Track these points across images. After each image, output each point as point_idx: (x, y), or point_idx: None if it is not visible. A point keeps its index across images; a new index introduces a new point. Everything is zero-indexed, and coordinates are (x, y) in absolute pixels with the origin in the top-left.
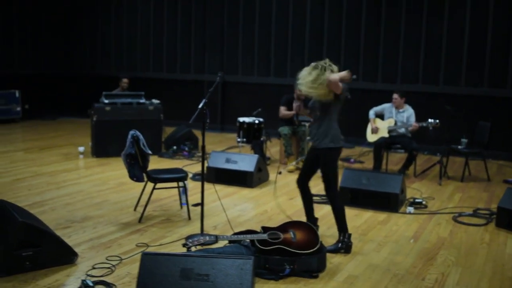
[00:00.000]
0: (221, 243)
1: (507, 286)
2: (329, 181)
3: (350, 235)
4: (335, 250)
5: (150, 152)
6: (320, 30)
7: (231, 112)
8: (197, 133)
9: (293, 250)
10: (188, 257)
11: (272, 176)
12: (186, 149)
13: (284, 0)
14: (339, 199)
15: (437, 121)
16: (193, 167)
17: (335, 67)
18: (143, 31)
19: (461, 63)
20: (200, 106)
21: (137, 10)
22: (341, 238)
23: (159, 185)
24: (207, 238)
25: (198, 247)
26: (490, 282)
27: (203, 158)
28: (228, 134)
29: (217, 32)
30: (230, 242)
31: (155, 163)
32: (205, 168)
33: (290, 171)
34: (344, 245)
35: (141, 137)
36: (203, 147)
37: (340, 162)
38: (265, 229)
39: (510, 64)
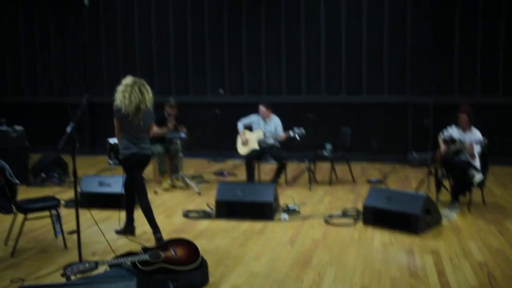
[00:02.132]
0: (102, 269)
1: (376, 277)
2: None
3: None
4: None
5: (18, 181)
6: (184, 45)
7: (101, 133)
8: (66, 158)
9: (175, 268)
10: (69, 286)
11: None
12: (56, 175)
13: (146, 17)
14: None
15: (303, 130)
16: (65, 193)
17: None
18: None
19: (320, 72)
20: (69, 130)
21: None
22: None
23: (31, 215)
24: (87, 265)
25: (78, 276)
26: (362, 275)
27: (75, 183)
28: (99, 156)
29: (79, 52)
30: (111, 266)
31: (24, 193)
32: (73, 193)
33: (166, 190)
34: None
35: (6, 166)
36: (75, 171)
37: (213, 176)
38: (145, 250)
39: (364, 71)
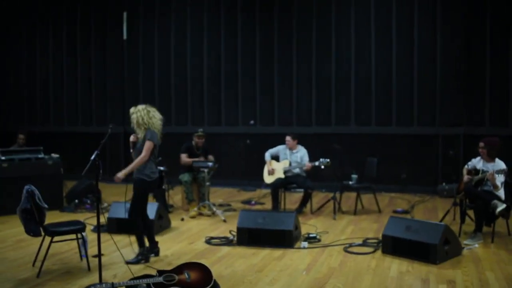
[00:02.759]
0: None
1: None
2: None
3: (147, 248)
4: (136, 262)
5: (46, 206)
6: (217, 76)
7: None
8: (100, 185)
9: None
10: None
11: (174, 223)
12: (89, 201)
13: (181, 51)
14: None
15: (328, 160)
16: (95, 219)
17: None
18: (42, 84)
19: (350, 104)
20: (93, 157)
21: (36, 61)
22: (141, 251)
23: (58, 238)
24: (104, 285)
25: None
26: None
27: (98, 209)
28: (131, 185)
29: (118, 83)
30: (126, 287)
31: (57, 218)
32: (105, 219)
33: (193, 217)
34: (143, 257)
35: (36, 191)
36: (98, 197)
37: (241, 205)
38: (160, 272)
39: (394, 103)
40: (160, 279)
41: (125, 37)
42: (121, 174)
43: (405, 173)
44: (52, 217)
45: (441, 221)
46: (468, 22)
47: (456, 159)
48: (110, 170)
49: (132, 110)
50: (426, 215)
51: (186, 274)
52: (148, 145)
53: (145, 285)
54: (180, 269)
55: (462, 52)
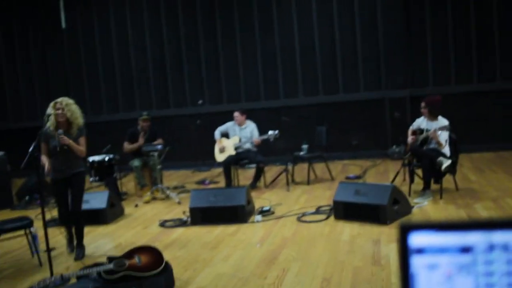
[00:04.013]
0: (72, 281)
1: (339, 268)
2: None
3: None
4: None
5: None
6: (162, 60)
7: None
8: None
9: (139, 274)
10: None
11: (128, 210)
12: (38, 197)
13: (123, 36)
14: None
15: (277, 131)
16: (47, 214)
17: None
18: None
19: (296, 75)
20: (30, 149)
21: None
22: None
23: (6, 236)
24: (52, 278)
25: None
26: (325, 267)
27: (42, 202)
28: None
29: (60, 74)
30: (78, 278)
31: (8, 216)
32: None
33: (147, 202)
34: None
35: None
36: (41, 191)
37: (195, 186)
38: (111, 259)
39: (339, 70)
40: (111, 266)
41: (63, 26)
42: (68, 141)
43: (356, 139)
44: (3, 216)
45: (391, 182)
46: None
47: (403, 121)
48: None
49: (68, 100)
50: (378, 179)
51: (136, 259)
52: (85, 140)
53: (95, 273)
54: (130, 253)
55: (402, 14)
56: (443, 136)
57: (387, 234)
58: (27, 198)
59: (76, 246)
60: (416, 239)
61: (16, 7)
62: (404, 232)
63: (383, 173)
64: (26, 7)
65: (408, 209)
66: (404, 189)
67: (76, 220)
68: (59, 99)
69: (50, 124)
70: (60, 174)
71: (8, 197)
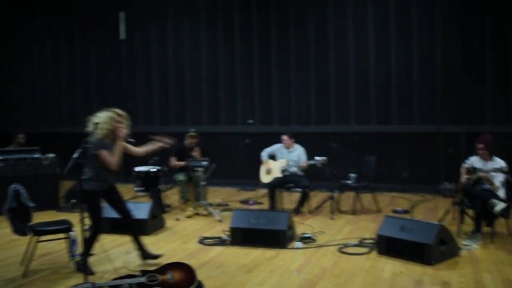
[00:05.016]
0: None
1: None
2: None
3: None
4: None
5: (32, 205)
6: (215, 76)
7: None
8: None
9: None
10: None
11: (169, 223)
12: None
13: (179, 51)
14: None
15: (325, 158)
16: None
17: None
18: (42, 85)
19: (350, 102)
20: (75, 156)
21: (33, 66)
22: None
23: (48, 237)
24: (84, 285)
25: None
26: None
27: (82, 208)
28: (132, 185)
29: (116, 83)
30: (110, 287)
31: (53, 217)
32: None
33: (188, 217)
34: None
35: (22, 190)
36: (82, 197)
37: (239, 205)
38: (144, 273)
39: (394, 101)
40: (143, 279)
41: (122, 37)
42: None
43: (407, 172)
44: (48, 217)
45: (440, 221)
46: (467, 17)
47: (456, 157)
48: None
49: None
50: (426, 215)
51: (169, 275)
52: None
53: (127, 285)
54: (164, 269)
55: (461, 47)
56: (498, 178)
57: (431, 275)
58: (73, 201)
59: (142, 248)
60: None
61: (78, 17)
62: None
63: (433, 210)
64: (87, 17)
65: (455, 250)
66: (453, 229)
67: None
68: (122, 112)
69: (102, 134)
70: (106, 184)
71: (56, 198)
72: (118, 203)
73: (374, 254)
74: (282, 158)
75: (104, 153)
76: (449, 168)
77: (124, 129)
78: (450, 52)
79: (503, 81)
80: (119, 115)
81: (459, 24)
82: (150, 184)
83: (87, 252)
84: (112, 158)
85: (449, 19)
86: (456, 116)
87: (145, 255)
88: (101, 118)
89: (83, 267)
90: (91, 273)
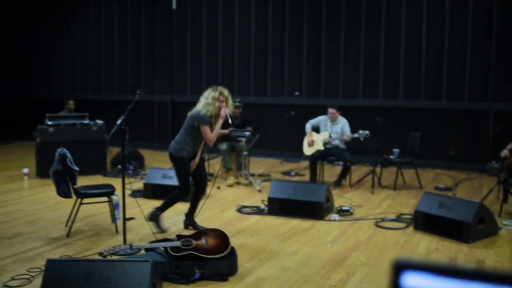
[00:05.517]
0: (141, 252)
1: None
2: None
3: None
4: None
5: (77, 168)
6: (264, 48)
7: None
8: (144, 152)
9: (203, 255)
10: (91, 262)
11: (211, 190)
12: (131, 167)
13: (229, 21)
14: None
15: (367, 132)
16: (135, 184)
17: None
18: (94, 53)
19: (399, 77)
20: (118, 122)
21: (88, 33)
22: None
23: (92, 200)
24: (122, 247)
25: (114, 256)
26: None
27: (123, 174)
28: None
29: (166, 54)
30: (146, 250)
31: (99, 182)
32: (142, 185)
33: (230, 185)
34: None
35: (68, 154)
36: (123, 162)
37: (281, 176)
38: (179, 237)
39: (445, 77)
40: (178, 243)
41: (174, 7)
42: None
43: (454, 149)
44: (95, 181)
45: (483, 199)
46: None
47: (507, 136)
48: (158, 138)
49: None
50: (470, 193)
51: (204, 240)
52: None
53: (162, 248)
54: (199, 234)
55: None
56: None
57: (466, 253)
58: (119, 166)
59: (192, 216)
60: (410, 280)
61: None
62: (398, 270)
63: (477, 188)
64: None
65: (494, 230)
66: (495, 208)
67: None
68: (226, 92)
69: (207, 111)
70: (194, 154)
71: (103, 164)
72: (198, 171)
73: (410, 229)
74: (325, 131)
75: (206, 129)
76: (498, 147)
77: (225, 109)
78: (505, 30)
79: None
80: (222, 94)
81: None
82: None
83: (163, 209)
84: (211, 135)
85: None
86: (508, 94)
87: (189, 222)
88: (206, 97)
89: (156, 223)
90: (163, 230)
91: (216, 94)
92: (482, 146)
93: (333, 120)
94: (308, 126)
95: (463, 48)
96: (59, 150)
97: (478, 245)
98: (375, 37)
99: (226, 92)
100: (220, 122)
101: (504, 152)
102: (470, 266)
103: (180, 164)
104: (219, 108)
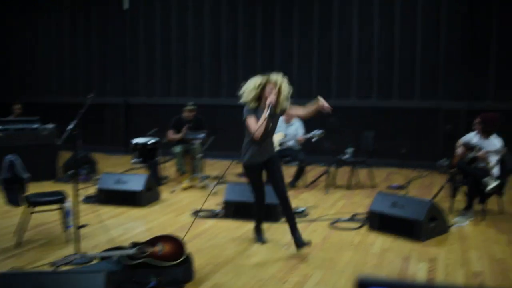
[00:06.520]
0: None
1: None
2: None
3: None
4: None
5: (28, 175)
6: (217, 48)
7: (136, 133)
8: (96, 156)
9: (158, 263)
10: (42, 274)
11: (164, 195)
12: (84, 172)
13: (182, 22)
14: None
15: (321, 131)
16: (87, 190)
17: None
18: (43, 55)
19: (351, 76)
20: (70, 127)
21: (38, 34)
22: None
23: (42, 208)
24: (76, 256)
25: (67, 267)
26: (348, 280)
27: (75, 179)
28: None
29: (118, 56)
30: (100, 258)
31: (50, 188)
32: (95, 190)
33: (184, 189)
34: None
35: (17, 161)
36: (75, 167)
37: (235, 177)
38: (134, 245)
39: (396, 76)
40: (132, 251)
41: (126, 7)
42: None
43: (405, 148)
44: (46, 188)
45: (434, 197)
46: None
47: (455, 134)
48: (111, 141)
49: (281, 77)
50: (421, 191)
51: (159, 247)
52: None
53: (117, 256)
54: (154, 241)
55: (466, 23)
56: (493, 158)
57: (419, 252)
58: (71, 172)
59: (296, 232)
60: None
61: None
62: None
63: (428, 186)
64: None
65: (445, 227)
66: (446, 205)
67: (289, 204)
68: (276, 77)
69: (248, 100)
70: (261, 157)
71: (53, 169)
72: (274, 178)
73: (365, 229)
74: (280, 131)
75: (249, 120)
76: (448, 145)
77: (272, 96)
78: (454, 28)
79: (506, 57)
80: (269, 81)
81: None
82: (147, 156)
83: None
84: (254, 126)
85: None
86: (457, 93)
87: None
88: (248, 84)
89: (257, 235)
90: (262, 241)
91: (261, 80)
92: (432, 144)
93: (288, 121)
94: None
95: (413, 48)
96: (8, 157)
97: (430, 243)
98: (327, 37)
99: (274, 77)
100: (265, 111)
101: (459, 150)
102: (428, 282)
103: (245, 172)
104: (265, 95)
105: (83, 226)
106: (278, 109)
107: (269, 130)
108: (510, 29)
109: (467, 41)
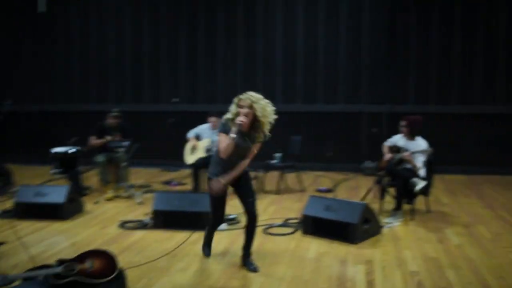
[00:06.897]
0: (17, 283)
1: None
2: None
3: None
4: None
5: None
6: (139, 53)
7: (53, 143)
8: (12, 167)
9: (89, 281)
10: None
11: (88, 206)
12: None
13: (102, 25)
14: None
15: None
16: (4, 204)
17: None
18: None
19: (275, 81)
20: None
21: None
22: None
23: None
24: None
25: None
26: (288, 286)
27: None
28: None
29: (34, 61)
30: (23, 279)
31: None
32: (12, 204)
33: (108, 200)
34: None
35: None
36: None
37: (162, 186)
38: (61, 262)
39: (320, 80)
40: (59, 269)
41: (41, 10)
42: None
43: (331, 151)
44: None
45: (362, 199)
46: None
47: (379, 137)
48: (27, 151)
49: (258, 95)
50: (349, 194)
51: (88, 263)
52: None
53: (42, 276)
54: (82, 257)
55: (387, 29)
56: (420, 159)
57: (355, 254)
58: None
59: (248, 256)
60: None
61: None
62: None
63: (355, 188)
64: None
65: (378, 229)
66: (375, 207)
67: (254, 224)
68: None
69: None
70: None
71: None
72: (243, 197)
73: (299, 234)
74: (207, 138)
75: (220, 137)
76: (372, 147)
77: (240, 118)
78: (375, 34)
79: (424, 63)
80: (239, 100)
81: (387, 5)
82: (68, 165)
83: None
84: (222, 144)
85: (376, 2)
86: (379, 97)
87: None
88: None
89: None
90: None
91: (236, 100)
92: (356, 147)
93: (215, 128)
94: (191, 133)
95: (336, 53)
96: None
97: (365, 245)
98: (251, 43)
99: (243, 96)
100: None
101: (387, 156)
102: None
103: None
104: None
105: (1, 244)
106: (255, 134)
107: (240, 152)
108: (427, 35)
109: (387, 48)
